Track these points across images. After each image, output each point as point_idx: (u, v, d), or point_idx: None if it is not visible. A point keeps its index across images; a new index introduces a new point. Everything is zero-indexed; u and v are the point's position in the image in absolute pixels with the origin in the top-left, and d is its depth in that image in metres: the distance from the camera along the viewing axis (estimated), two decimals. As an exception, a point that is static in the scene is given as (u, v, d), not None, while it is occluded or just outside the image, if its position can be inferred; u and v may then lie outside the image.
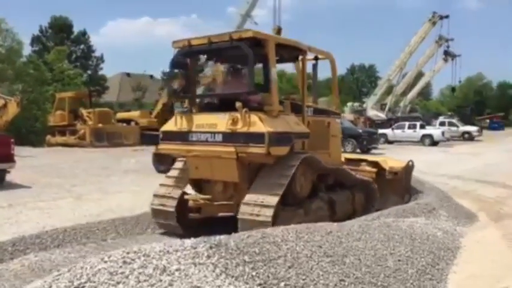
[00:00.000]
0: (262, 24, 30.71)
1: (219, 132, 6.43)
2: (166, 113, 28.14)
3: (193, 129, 6.73)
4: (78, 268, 3.04)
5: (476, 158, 21.94)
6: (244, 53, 6.34)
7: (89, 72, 48.42)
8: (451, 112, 58.84)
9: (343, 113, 32.32)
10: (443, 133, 32.18)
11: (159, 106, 27.91)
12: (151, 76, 60.18)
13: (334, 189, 7.55)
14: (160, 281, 2.98)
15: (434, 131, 32.93)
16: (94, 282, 2.92)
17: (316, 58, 7.81)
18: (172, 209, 6.96)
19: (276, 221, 5.89)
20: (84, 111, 26.53)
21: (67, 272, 2.98)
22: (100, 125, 25.75)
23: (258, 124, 6.13)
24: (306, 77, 7.54)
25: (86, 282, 2.91)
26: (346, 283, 3.87)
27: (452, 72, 45.04)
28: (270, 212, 5.90)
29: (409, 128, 32.55)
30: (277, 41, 6.84)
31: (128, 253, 3.21)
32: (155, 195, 7.26)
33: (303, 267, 3.78)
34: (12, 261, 5.61)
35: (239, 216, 6.16)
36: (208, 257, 3.36)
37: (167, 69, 60.61)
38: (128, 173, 14.79)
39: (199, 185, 7.34)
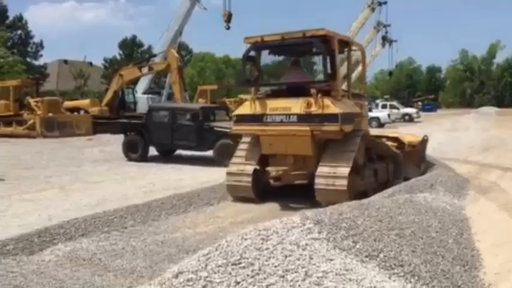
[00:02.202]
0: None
1: (293, 114, 7.45)
2: (118, 101, 27.61)
3: (268, 112, 7.70)
4: (224, 246, 3.07)
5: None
6: (317, 48, 7.73)
7: (28, 59, 45.77)
8: (388, 95, 61.03)
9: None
10: (389, 115, 33.56)
11: (110, 94, 27.22)
12: (90, 63, 57.90)
13: (373, 161, 8.50)
14: (301, 255, 3.07)
15: (381, 113, 34.23)
16: (247, 258, 2.98)
17: (350, 50, 8.66)
18: (249, 184, 7.97)
19: (349, 188, 6.86)
20: (31, 101, 25.32)
21: (215, 251, 3.00)
22: (50, 114, 24.67)
23: (332, 107, 7.19)
24: (351, 67, 8.65)
25: (240, 259, 2.97)
26: (418, 253, 4.10)
27: (389, 57, 46.91)
28: (344, 182, 6.96)
29: (358, 111, 33.53)
30: (340, 37, 7.92)
31: (260, 230, 3.28)
32: (229, 173, 8.20)
33: (382, 240, 3.97)
34: (43, 252, 5.45)
35: (316, 186, 7.21)
36: (319, 232, 3.49)
37: (109, 56, 58.77)
38: (98, 163, 14.39)
39: (266, 159, 8.22)
